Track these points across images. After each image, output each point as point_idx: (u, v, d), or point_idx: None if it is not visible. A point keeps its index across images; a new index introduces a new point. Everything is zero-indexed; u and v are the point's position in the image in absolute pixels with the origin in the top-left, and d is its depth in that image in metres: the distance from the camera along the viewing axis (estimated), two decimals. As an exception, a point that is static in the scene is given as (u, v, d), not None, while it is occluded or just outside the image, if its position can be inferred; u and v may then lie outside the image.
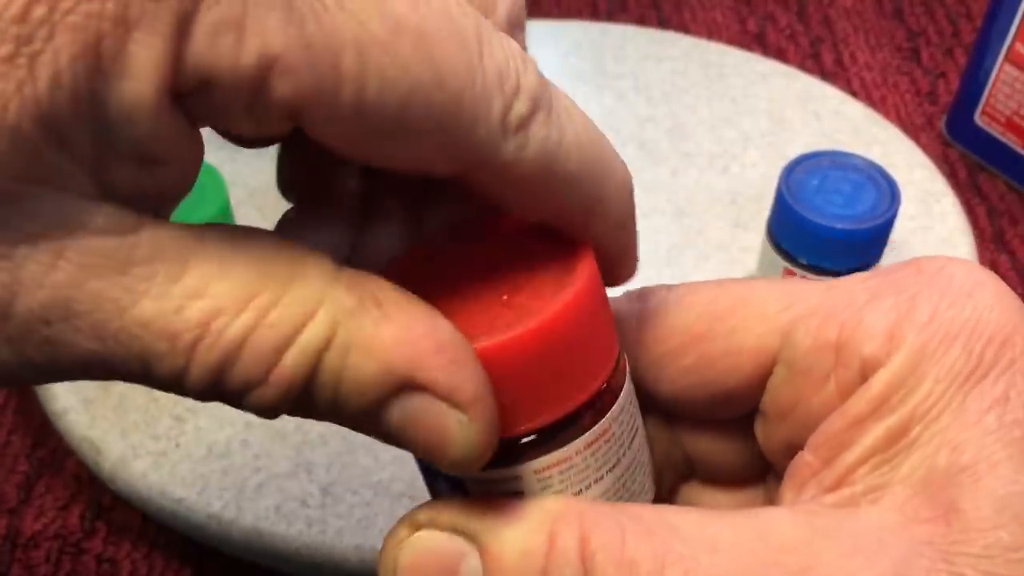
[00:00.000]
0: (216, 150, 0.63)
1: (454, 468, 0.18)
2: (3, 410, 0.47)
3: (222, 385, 0.17)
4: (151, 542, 0.42)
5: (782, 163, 0.54)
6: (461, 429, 0.18)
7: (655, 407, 0.23)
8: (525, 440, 0.20)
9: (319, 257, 0.17)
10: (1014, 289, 0.57)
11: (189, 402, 0.45)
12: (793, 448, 0.21)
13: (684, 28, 0.68)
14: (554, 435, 0.20)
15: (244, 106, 0.16)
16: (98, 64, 0.15)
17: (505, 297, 0.20)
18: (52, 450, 0.45)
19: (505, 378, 0.18)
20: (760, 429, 0.23)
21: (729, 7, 0.70)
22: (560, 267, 0.20)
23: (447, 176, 0.18)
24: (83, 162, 0.15)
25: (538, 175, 0.18)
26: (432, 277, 0.20)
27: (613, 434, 0.21)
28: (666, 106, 0.59)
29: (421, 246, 0.22)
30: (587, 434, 0.20)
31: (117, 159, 0.16)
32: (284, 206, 0.53)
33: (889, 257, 0.50)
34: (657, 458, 0.24)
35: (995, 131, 0.57)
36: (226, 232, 0.17)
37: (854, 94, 0.63)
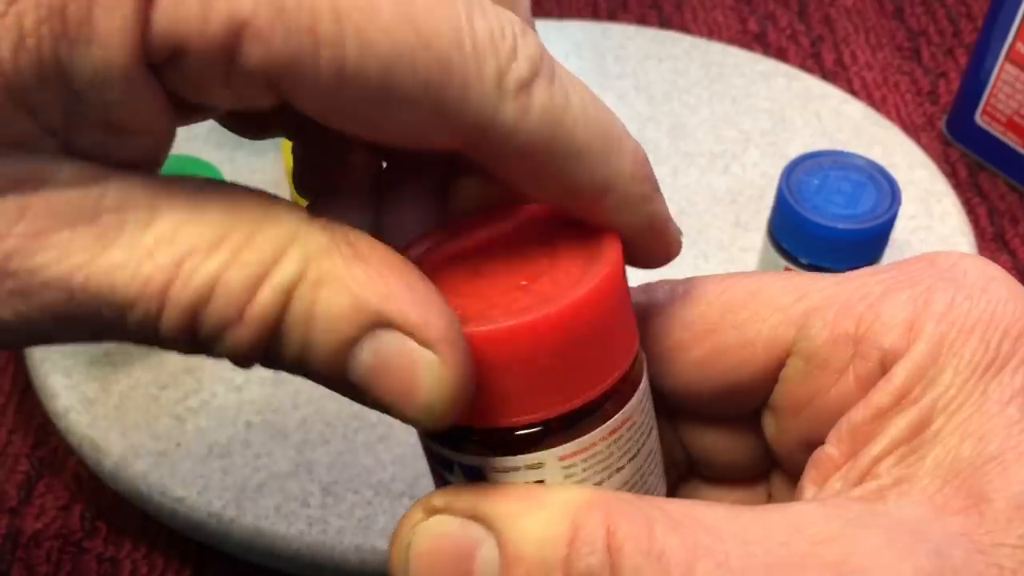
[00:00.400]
0: (215, 149, 0.63)
1: (423, 417, 0.17)
2: (4, 410, 0.47)
3: (196, 328, 0.16)
4: (152, 542, 0.42)
5: (783, 163, 0.54)
6: (431, 370, 0.17)
7: (659, 403, 0.22)
8: (550, 426, 0.19)
9: (292, 205, 0.17)
10: (1015, 289, 0.56)
11: (190, 402, 0.45)
12: (808, 443, 0.21)
13: (685, 28, 0.68)
14: (578, 422, 0.19)
15: (219, 75, 0.16)
16: (64, 30, 0.14)
17: (524, 282, 0.19)
18: (53, 450, 0.45)
19: (521, 362, 0.18)
20: (770, 424, 0.22)
21: (730, 7, 0.70)
22: (584, 254, 0.19)
23: (449, 149, 0.18)
24: (51, 127, 0.16)
25: (543, 145, 0.17)
26: (449, 260, 0.20)
27: (634, 423, 0.20)
28: (667, 106, 0.59)
29: (440, 231, 0.21)
30: (610, 422, 0.20)
31: (87, 125, 0.16)
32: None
33: (890, 257, 0.50)
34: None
35: (996, 131, 0.57)
36: (196, 183, 0.17)
37: (855, 94, 0.63)
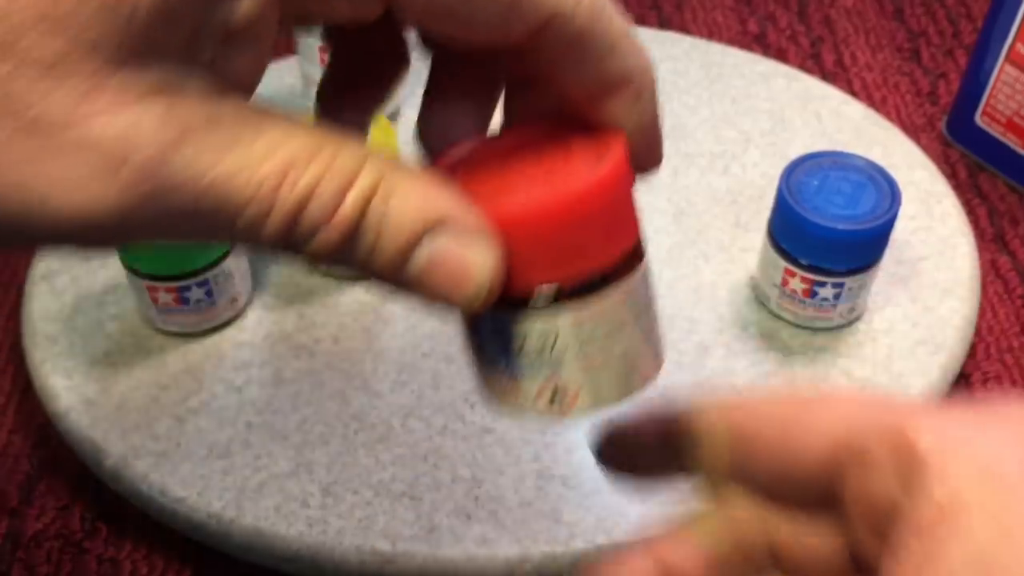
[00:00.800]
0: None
1: (472, 299, 0.21)
2: (4, 410, 0.47)
3: (294, 229, 0.19)
4: (152, 542, 0.42)
5: (783, 163, 0.54)
6: (480, 256, 0.21)
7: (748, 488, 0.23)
8: (563, 292, 0.23)
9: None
10: (1015, 290, 0.56)
11: (190, 403, 0.45)
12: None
13: (685, 28, 0.68)
14: (592, 288, 0.23)
15: None
16: None
17: (546, 174, 0.23)
18: (53, 450, 0.45)
19: (539, 236, 0.22)
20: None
21: (730, 7, 0.70)
22: (595, 154, 0.23)
23: (515, 44, 0.21)
24: (184, 38, 0.18)
25: (588, 34, 0.21)
26: (482, 163, 0.24)
27: (636, 295, 0.25)
28: (667, 106, 0.59)
29: (471, 142, 0.25)
30: (613, 289, 0.24)
31: (210, 37, 0.18)
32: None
33: (890, 257, 0.50)
34: (748, 540, 0.24)
35: (995, 132, 0.57)
36: (284, 110, 0.20)
37: (855, 95, 0.63)
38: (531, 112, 0.25)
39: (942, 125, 0.61)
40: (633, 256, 0.24)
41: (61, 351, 0.47)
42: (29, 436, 0.46)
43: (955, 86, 0.63)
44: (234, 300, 0.48)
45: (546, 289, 0.23)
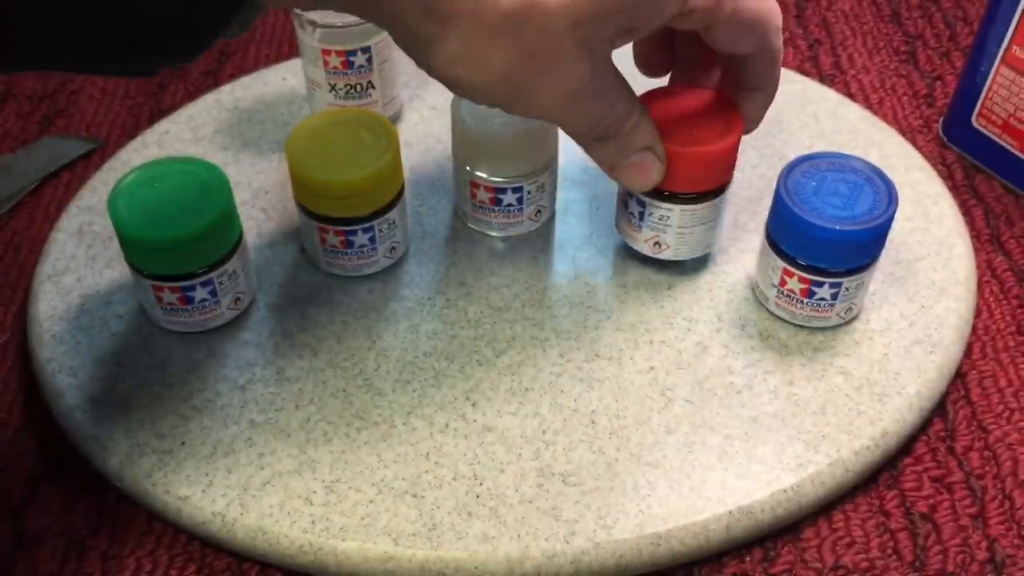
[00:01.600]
0: (221, 151, 0.64)
1: (645, 189, 0.45)
2: (10, 409, 0.48)
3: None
4: (156, 540, 0.43)
5: (780, 165, 0.54)
6: (658, 167, 0.44)
7: None
8: (681, 197, 0.47)
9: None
10: (1011, 290, 0.57)
11: (194, 401, 0.45)
12: None
13: (683, 31, 0.69)
14: (699, 199, 0.47)
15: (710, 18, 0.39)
16: None
17: (697, 130, 0.46)
18: (58, 448, 0.46)
19: (689, 166, 0.45)
20: None
21: (728, 10, 0.70)
22: (725, 121, 0.46)
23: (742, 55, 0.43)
24: None
25: (776, 54, 0.43)
26: (664, 106, 0.46)
27: (721, 204, 0.49)
28: (666, 108, 0.60)
29: (656, 92, 0.47)
30: (716, 199, 0.48)
31: None
32: (287, 207, 0.54)
33: (887, 259, 0.50)
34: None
35: (992, 133, 0.57)
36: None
37: (852, 97, 0.63)
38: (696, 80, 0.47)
39: (939, 127, 0.61)
40: (725, 186, 0.48)
41: (66, 350, 0.47)
42: (34, 434, 0.47)
43: (951, 88, 0.63)
44: (238, 299, 0.48)
45: (677, 193, 0.47)
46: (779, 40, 0.41)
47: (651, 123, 0.43)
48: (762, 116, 0.46)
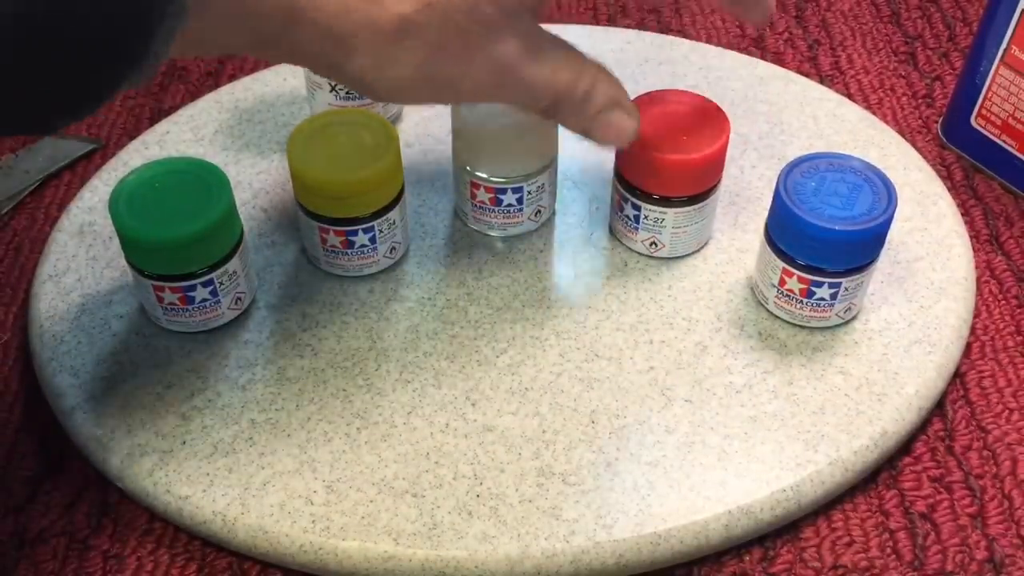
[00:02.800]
0: (221, 151, 0.64)
1: (621, 144, 0.44)
2: (11, 409, 0.48)
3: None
4: (157, 539, 0.43)
5: (780, 165, 0.54)
6: (630, 122, 0.43)
7: None
8: (675, 200, 0.48)
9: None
10: (1010, 290, 0.57)
11: (195, 401, 0.45)
12: None
13: (683, 32, 0.69)
14: (691, 201, 0.49)
15: None
16: None
17: (685, 138, 0.47)
18: (59, 448, 0.46)
19: (676, 172, 0.47)
20: None
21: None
22: (712, 128, 0.48)
23: None
24: None
25: None
26: (649, 115, 0.48)
27: (711, 205, 0.50)
28: (665, 109, 0.60)
29: (646, 96, 0.49)
30: (708, 199, 0.49)
31: None
32: (287, 207, 0.54)
33: (886, 259, 0.51)
34: None
35: (991, 134, 0.57)
36: None
37: (851, 97, 0.63)
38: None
39: (938, 127, 0.61)
40: (714, 188, 0.49)
41: (67, 350, 0.47)
42: (35, 434, 0.47)
43: (951, 88, 0.63)
44: (238, 299, 0.48)
45: (671, 198, 0.48)
46: None
47: (610, 79, 0.42)
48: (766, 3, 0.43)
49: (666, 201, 0.48)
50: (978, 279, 0.52)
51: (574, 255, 0.52)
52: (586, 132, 0.43)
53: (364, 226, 0.48)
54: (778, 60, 0.66)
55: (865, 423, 0.44)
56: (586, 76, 0.41)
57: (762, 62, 0.64)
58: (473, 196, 0.51)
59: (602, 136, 0.43)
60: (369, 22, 0.36)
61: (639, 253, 0.51)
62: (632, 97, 0.45)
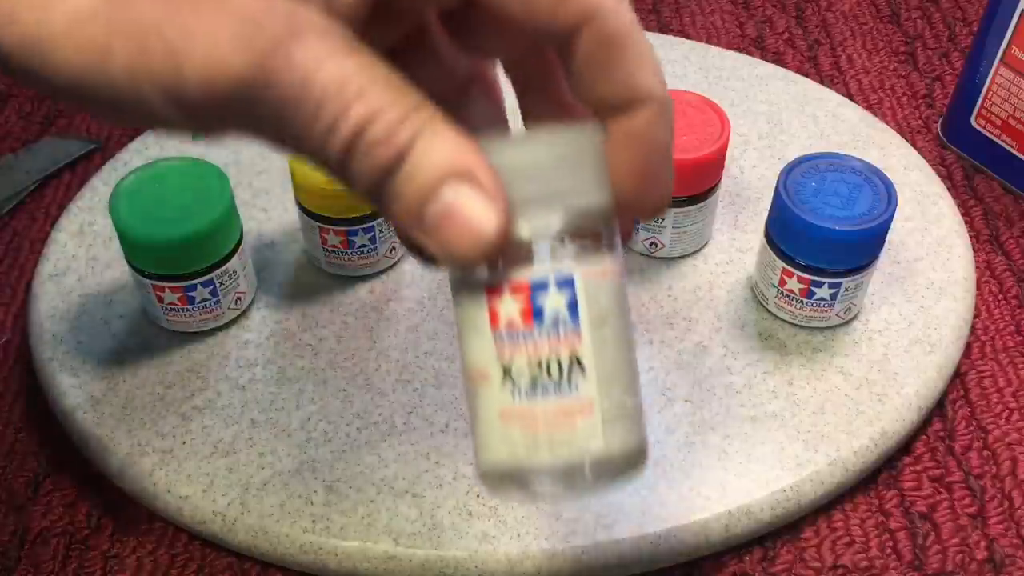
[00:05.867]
0: (221, 151, 0.64)
1: (477, 252, 0.23)
2: (12, 408, 0.48)
3: (358, 141, 0.22)
4: (157, 539, 0.43)
5: (780, 165, 0.54)
6: (488, 212, 0.23)
7: None
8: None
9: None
10: (1010, 290, 0.57)
11: (195, 401, 0.45)
12: None
13: (683, 32, 0.69)
14: (697, 199, 0.48)
15: None
16: None
17: (684, 138, 0.46)
18: (60, 448, 0.46)
19: (691, 172, 0.44)
20: None
21: (728, 11, 0.71)
22: (714, 124, 0.47)
23: (559, 29, 0.24)
24: None
25: (625, 35, 0.24)
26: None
27: (714, 201, 0.49)
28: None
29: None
30: (709, 199, 0.49)
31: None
32: (287, 207, 0.54)
33: (886, 259, 0.51)
34: None
35: (991, 134, 0.57)
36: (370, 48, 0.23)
37: (851, 97, 0.63)
38: (542, 116, 0.28)
39: (938, 127, 0.61)
40: (714, 188, 0.49)
41: (68, 350, 0.47)
42: (36, 434, 0.47)
43: (951, 89, 0.63)
44: (238, 299, 0.48)
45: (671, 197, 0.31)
46: (622, 16, 0.24)
47: (453, 133, 0.23)
48: (670, 141, 0.26)
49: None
50: (978, 279, 0.52)
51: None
52: (407, 221, 0.23)
53: (364, 226, 0.48)
54: (778, 60, 0.66)
55: (865, 423, 0.44)
56: (412, 119, 0.23)
57: (762, 62, 0.64)
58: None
59: (438, 237, 0.23)
60: None
61: (639, 253, 0.51)
62: None
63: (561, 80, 0.28)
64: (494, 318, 0.24)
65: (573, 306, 0.24)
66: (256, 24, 0.21)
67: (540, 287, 0.24)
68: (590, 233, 0.25)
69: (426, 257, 0.27)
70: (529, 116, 0.29)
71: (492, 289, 0.24)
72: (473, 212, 0.23)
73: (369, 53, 0.23)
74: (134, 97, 0.22)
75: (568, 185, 0.24)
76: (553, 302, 0.24)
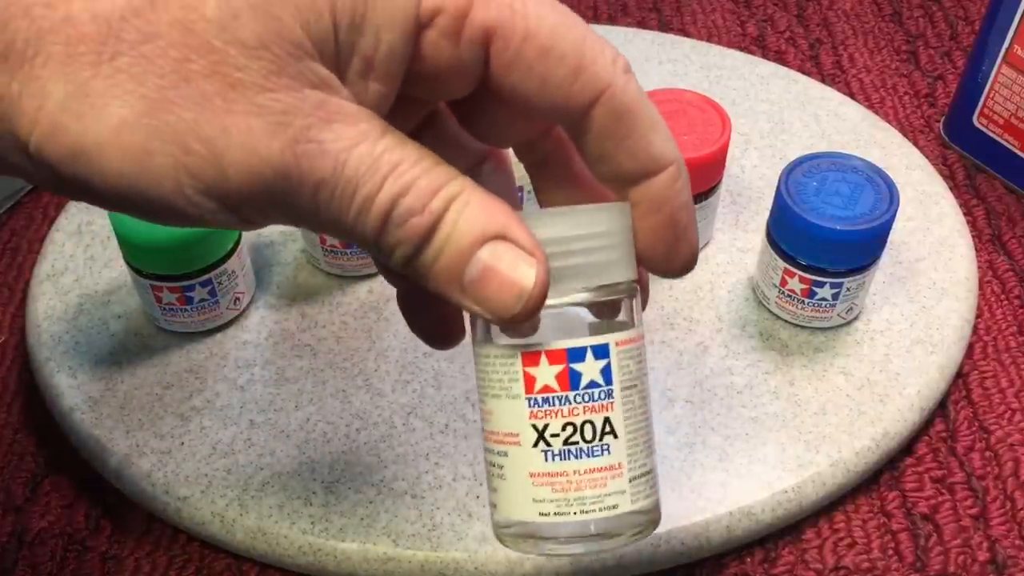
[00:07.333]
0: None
1: (513, 307, 0.24)
2: (9, 409, 0.47)
3: (391, 215, 0.23)
4: (155, 541, 0.43)
5: (782, 165, 0.54)
6: (527, 267, 0.24)
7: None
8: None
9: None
10: (1012, 290, 0.57)
11: (194, 401, 0.45)
12: None
13: (684, 31, 0.69)
14: (698, 199, 0.45)
15: (452, 32, 0.24)
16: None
17: (685, 137, 0.45)
18: (58, 449, 0.46)
19: (693, 171, 0.30)
20: None
21: (729, 10, 0.70)
22: (715, 122, 0.46)
23: (579, 109, 0.25)
24: (342, 63, 0.24)
25: (636, 105, 0.25)
26: None
27: (715, 201, 0.48)
28: (666, 108, 0.60)
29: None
30: (710, 198, 0.48)
31: (353, 70, 0.24)
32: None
33: (888, 258, 0.50)
34: None
35: (993, 133, 0.57)
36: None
37: (853, 96, 0.63)
38: (557, 194, 0.30)
39: (940, 127, 0.61)
40: (715, 187, 0.49)
41: (66, 350, 0.47)
42: (34, 435, 0.46)
43: (953, 88, 0.63)
44: (237, 300, 0.48)
45: None
46: (631, 87, 0.26)
47: (486, 197, 0.24)
48: (690, 201, 0.27)
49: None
50: (980, 279, 0.52)
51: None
52: (447, 287, 0.24)
53: (364, 226, 0.48)
54: (780, 59, 0.66)
55: (867, 424, 0.44)
56: (449, 188, 0.24)
57: (764, 61, 0.64)
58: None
59: (482, 296, 0.24)
60: (62, 22, 0.21)
61: None
62: None
63: (573, 158, 0.29)
64: (529, 383, 0.25)
65: (607, 372, 0.25)
66: (288, 114, 0.22)
67: (577, 355, 0.25)
68: (619, 304, 0.26)
69: (435, 337, 0.31)
70: (545, 195, 0.30)
71: (528, 356, 0.25)
72: (513, 268, 0.24)
73: (398, 133, 0.24)
74: (179, 196, 0.22)
75: (599, 259, 0.25)
76: (589, 369, 0.25)
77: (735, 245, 0.52)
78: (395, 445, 0.44)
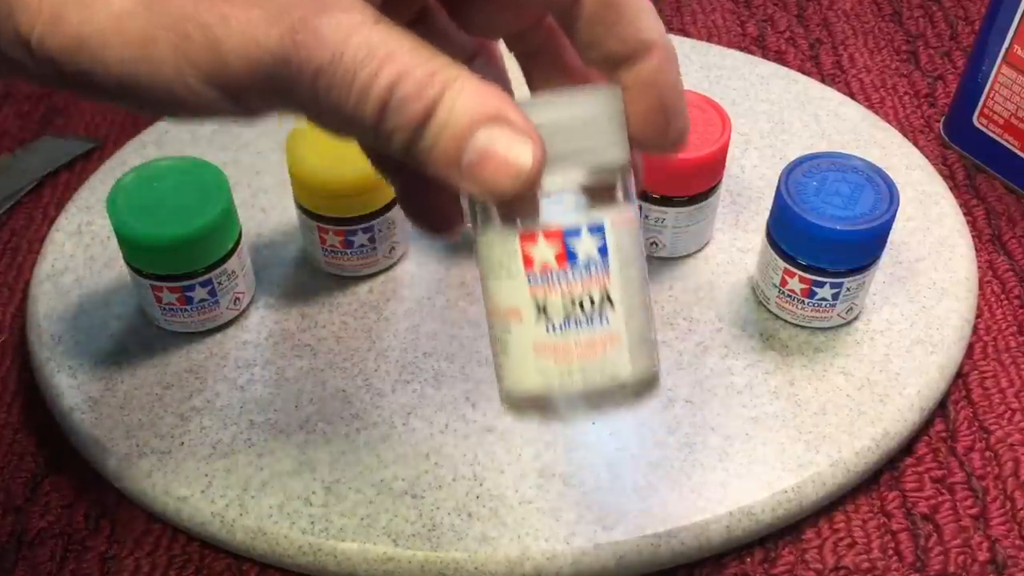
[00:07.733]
0: (220, 151, 0.63)
1: (510, 187, 0.25)
2: (9, 409, 0.47)
3: (389, 101, 0.23)
4: (155, 541, 0.43)
5: (782, 165, 0.54)
6: (523, 147, 0.24)
7: None
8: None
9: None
10: (1012, 290, 0.57)
11: (193, 401, 0.45)
12: None
13: (684, 31, 0.69)
14: (698, 199, 0.48)
15: None
16: None
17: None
18: (58, 449, 0.46)
19: (693, 171, 0.45)
20: None
21: (729, 10, 0.70)
22: (715, 123, 0.47)
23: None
24: None
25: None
26: None
27: (714, 202, 0.49)
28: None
29: None
30: (710, 199, 0.49)
31: None
32: (287, 207, 0.54)
33: (888, 258, 0.50)
34: None
35: (993, 133, 0.57)
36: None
37: (853, 96, 0.63)
38: (549, 83, 0.30)
39: (940, 126, 0.61)
40: (715, 188, 0.49)
41: (66, 350, 0.47)
42: (34, 435, 0.46)
43: (953, 88, 0.63)
44: (237, 300, 0.48)
45: (672, 197, 0.45)
46: None
47: (480, 83, 0.25)
48: (679, 81, 0.27)
49: (667, 201, 0.48)
50: (980, 279, 0.52)
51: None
52: (445, 170, 0.25)
53: (364, 226, 0.48)
54: (780, 59, 0.66)
55: (867, 424, 0.44)
56: (440, 75, 0.24)
57: (763, 61, 0.64)
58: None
59: (478, 176, 0.25)
60: None
61: None
62: None
63: (563, 48, 0.30)
64: (528, 262, 0.27)
65: (603, 249, 0.27)
66: (286, 4, 0.23)
67: (573, 233, 0.26)
68: (613, 185, 0.27)
69: (435, 225, 0.32)
70: (536, 85, 0.31)
71: (526, 236, 0.26)
72: (509, 149, 0.24)
73: (393, 23, 0.24)
74: (180, 84, 0.23)
75: (592, 142, 0.26)
76: (586, 246, 0.26)
77: (735, 245, 0.52)
78: (395, 445, 0.44)
